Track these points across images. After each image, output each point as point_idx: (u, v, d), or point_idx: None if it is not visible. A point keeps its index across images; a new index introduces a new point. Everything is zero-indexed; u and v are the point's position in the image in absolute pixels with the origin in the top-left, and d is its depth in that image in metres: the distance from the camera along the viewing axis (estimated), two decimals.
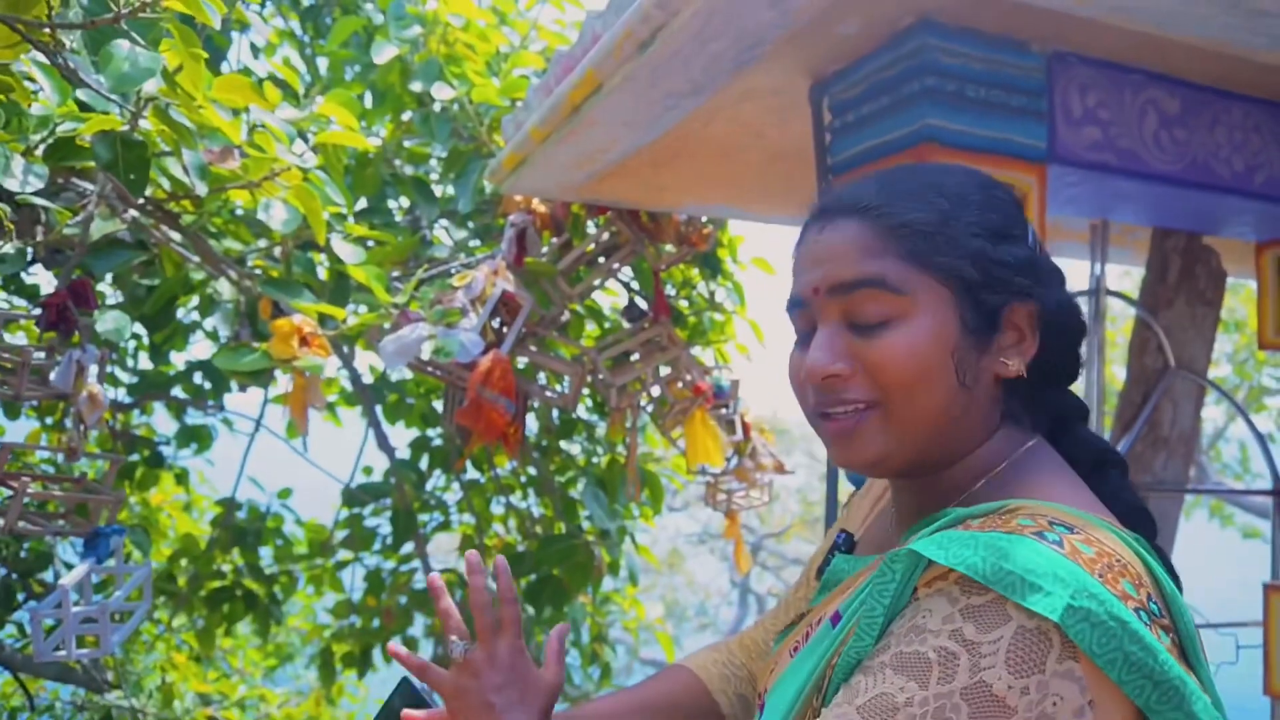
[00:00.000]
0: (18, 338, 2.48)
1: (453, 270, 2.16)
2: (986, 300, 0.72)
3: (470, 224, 2.53)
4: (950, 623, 0.61)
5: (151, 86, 1.39)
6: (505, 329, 2.04)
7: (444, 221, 2.55)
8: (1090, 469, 0.78)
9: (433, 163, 2.55)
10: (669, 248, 2.38)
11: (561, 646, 0.92)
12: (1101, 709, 0.58)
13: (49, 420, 2.69)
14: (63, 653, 1.28)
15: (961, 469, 0.76)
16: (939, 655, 0.60)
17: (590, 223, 2.36)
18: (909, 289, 0.71)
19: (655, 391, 2.37)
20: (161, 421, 3.08)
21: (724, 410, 2.32)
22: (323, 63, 2.79)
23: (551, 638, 0.93)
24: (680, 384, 2.30)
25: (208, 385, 2.58)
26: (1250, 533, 8.06)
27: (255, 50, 2.88)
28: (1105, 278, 2.05)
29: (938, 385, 0.71)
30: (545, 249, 2.27)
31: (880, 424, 0.72)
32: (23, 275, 2.17)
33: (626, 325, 2.49)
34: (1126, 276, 7.05)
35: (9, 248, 1.55)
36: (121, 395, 2.64)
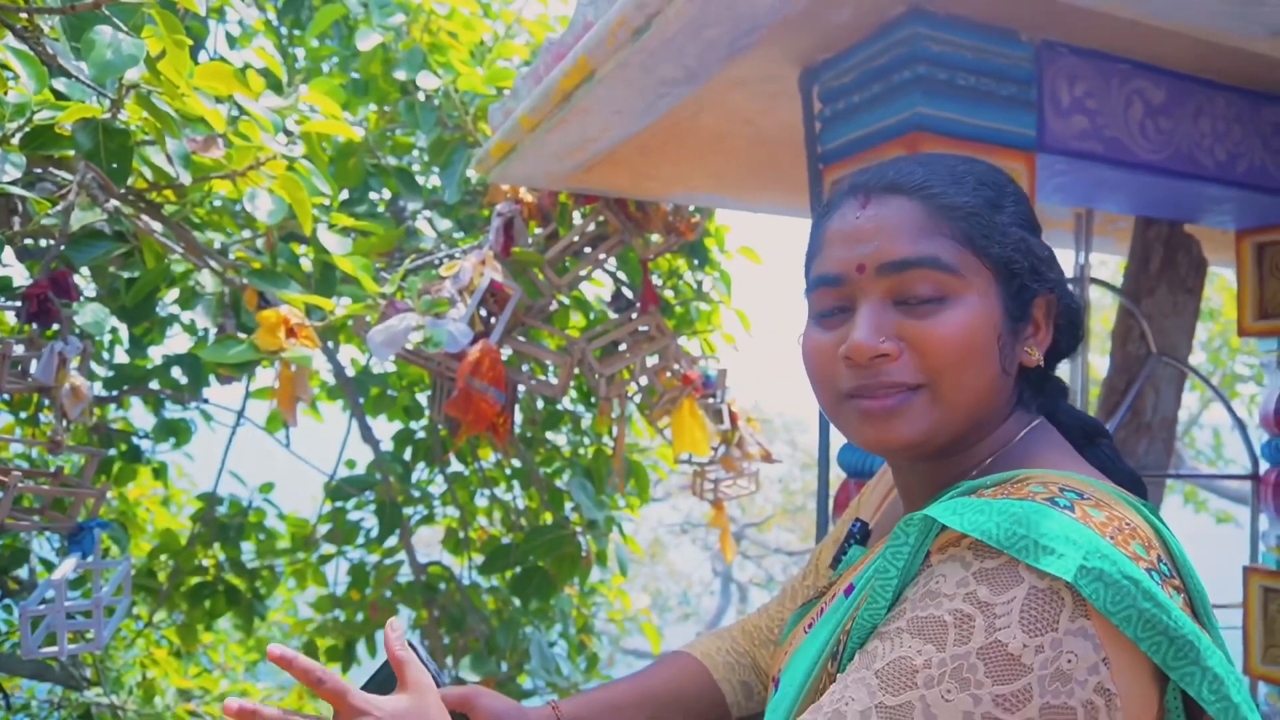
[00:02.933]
0: None
1: (439, 260, 2.14)
2: (1026, 289, 0.74)
3: (455, 214, 2.51)
4: (964, 586, 0.62)
5: (134, 74, 1.36)
6: (493, 319, 2.03)
7: (427, 212, 2.53)
8: (1081, 442, 0.80)
9: (415, 153, 2.53)
10: (656, 237, 2.38)
11: (398, 644, 0.82)
12: (1117, 665, 0.59)
13: (22, 414, 2.64)
14: (53, 649, 1.26)
15: (976, 451, 0.77)
16: (955, 618, 0.61)
17: (577, 212, 2.35)
18: (963, 271, 0.70)
19: (643, 381, 2.36)
20: (139, 415, 3.04)
21: (711, 400, 2.33)
22: (300, 53, 2.75)
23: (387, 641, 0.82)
24: (669, 373, 2.30)
25: (185, 379, 2.55)
26: (1223, 517, 8.20)
27: (231, 40, 2.84)
28: (1089, 266, 2.07)
29: (984, 369, 0.71)
30: (531, 239, 2.26)
31: (925, 407, 0.71)
32: None
33: (613, 315, 2.48)
34: (1103, 265, 7.13)
35: None
36: (98, 388, 2.59)
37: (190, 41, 1.37)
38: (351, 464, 3.09)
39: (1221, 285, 7.14)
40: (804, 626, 0.81)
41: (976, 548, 0.63)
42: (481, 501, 3.14)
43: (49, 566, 2.76)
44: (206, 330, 1.92)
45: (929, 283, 0.70)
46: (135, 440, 2.80)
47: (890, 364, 0.71)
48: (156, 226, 1.75)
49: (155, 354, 2.65)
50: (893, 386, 0.71)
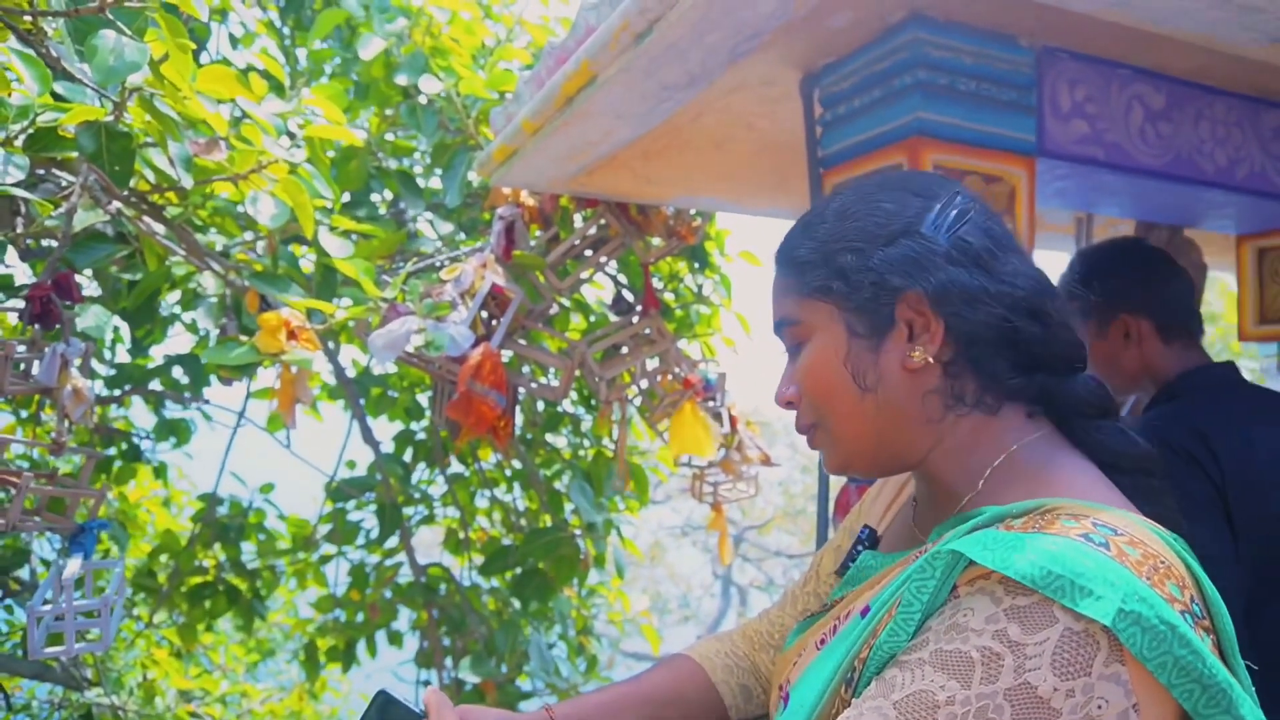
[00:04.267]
0: None
1: (440, 263, 2.15)
2: (865, 306, 0.77)
3: (457, 217, 2.52)
4: (994, 622, 0.60)
5: (137, 78, 1.37)
6: (494, 322, 2.03)
7: (429, 215, 2.53)
8: (1110, 468, 0.76)
9: (417, 156, 2.53)
10: (657, 241, 2.38)
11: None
12: (1146, 712, 0.58)
13: (24, 414, 2.65)
14: (60, 649, 1.27)
15: (942, 457, 0.77)
16: (982, 655, 0.59)
17: (578, 216, 2.35)
18: (804, 317, 0.81)
19: (644, 384, 2.37)
20: (140, 415, 3.04)
21: (711, 403, 2.33)
22: (302, 54, 2.76)
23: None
24: (670, 377, 2.30)
25: (187, 379, 2.55)
26: None
27: (234, 41, 2.84)
28: None
29: (841, 394, 0.79)
30: (533, 242, 2.27)
31: (825, 438, 0.82)
32: None
33: (614, 318, 2.48)
34: None
35: None
36: (99, 388, 2.60)
37: (193, 45, 1.38)
38: (352, 465, 3.10)
39: (1223, 290, 7.13)
40: (815, 641, 0.80)
41: (1007, 582, 0.62)
42: (481, 503, 3.15)
43: (48, 567, 2.76)
44: (208, 330, 1.93)
45: (790, 337, 0.84)
46: (136, 439, 2.81)
47: (796, 407, 0.84)
48: (159, 228, 1.75)
49: (156, 353, 2.66)
50: (804, 426, 0.84)
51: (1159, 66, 1.52)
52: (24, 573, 2.68)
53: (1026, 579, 0.60)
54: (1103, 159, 1.49)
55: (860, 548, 0.87)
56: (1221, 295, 7.19)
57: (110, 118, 1.38)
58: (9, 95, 1.38)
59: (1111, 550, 0.62)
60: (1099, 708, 0.57)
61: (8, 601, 2.69)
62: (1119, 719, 0.58)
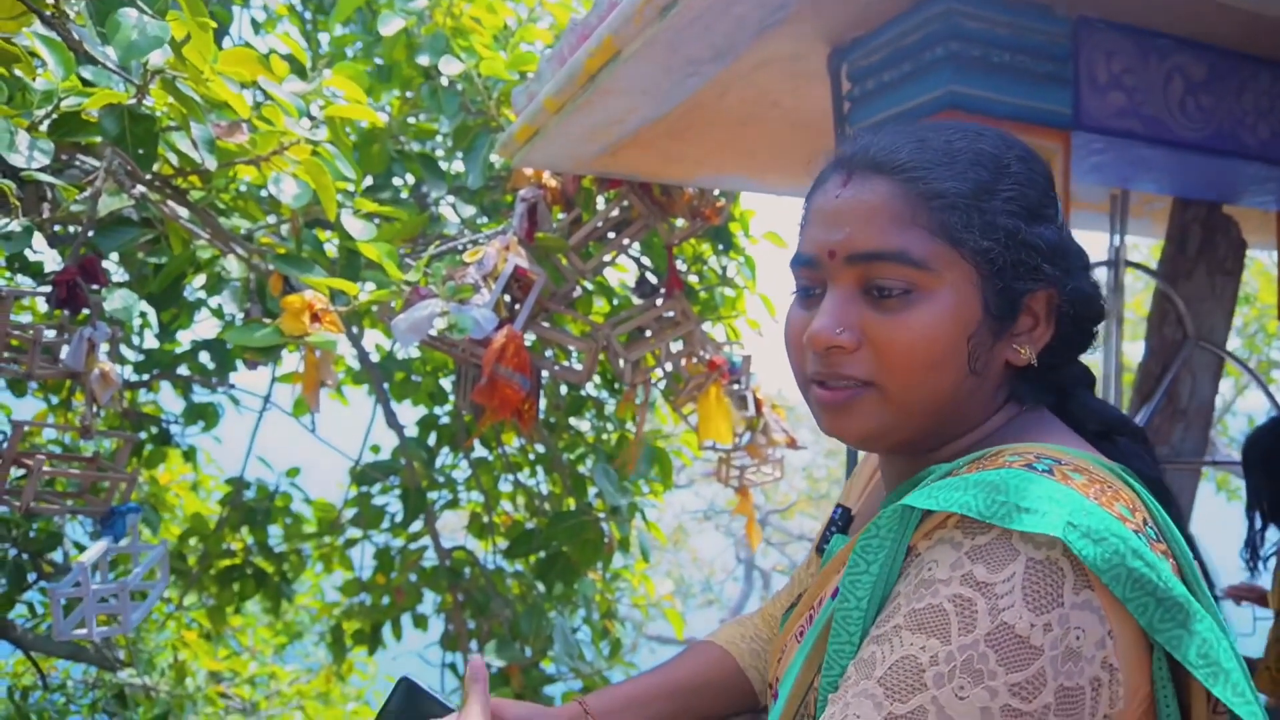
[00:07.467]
0: (22, 316, 2.46)
1: (463, 246, 2.14)
2: (1012, 285, 0.68)
3: (479, 200, 2.50)
4: (959, 568, 0.58)
5: (158, 59, 1.36)
6: (517, 305, 2.02)
7: (451, 197, 2.52)
8: (1096, 436, 0.74)
9: (439, 138, 2.52)
10: (681, 222, 2.36)
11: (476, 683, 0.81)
12: (1120, 639, 0.57)
13: (54, 399, 2.68)
14: (83, 631, 1.28)
15: (956, 446, 0.73)
16: (954, 604, 0.57)
17: (601, 197, 2.33)
18: (934, 266, 0.66)
19: (668, 367, 2.35)
20: (168, 399, 3.07)
21: (736, 386, 2.31)
22: (324, 39, 2.75)
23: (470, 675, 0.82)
24: (695, 359, 2.28)
25: (213, 364, 2.57)
26: None
27: (256, 26, 2.84)
28: (1125, 249, 2.02)
29: (947, 371, 0.67)
30: (555, 224, 2.25)
31: (875, 404, 0.68)
32: (26, 252, 2.15)
33: (637, 300, 2.46)
34: (1134, 249, 6.99)
35: (15, 225, 1.53)
36: (128, 373, 2.63)
37: (214, 24, 1.37)
38: (376, 449, 3.11)
39: (1258, 269, 6.97)
40: (794, 634, 0.77)
41: (964, 525, 0.60)
42: (505, 487, 3.15)
43: (82, 550, 2.80)
44: (233, 316, 1.93)
45: (897, 276, 0.66)
46: (165, 424, 2.84)
47: (846, 356, 0.68)
48: (183, 212, 1.75)
49: (184, 338, 2.68)
50: (845, 379, 0.68)
51: (1201, 36, 1.47)
52: (57, 556, 2.71)
53: (973, 511, 0.59)
54: (1141, 132, 1.45)
55: (832, 529, 0.85)
56: (1257, 274, 7.02)
57: (133, 101, 1.38)
58: (33, 79, 1.38)
59: (1055, 475, 0.61)
60: (1077, 638, 0.56)
61: (42, 584, 2.73)
62: (1097, 647, 0.56)
